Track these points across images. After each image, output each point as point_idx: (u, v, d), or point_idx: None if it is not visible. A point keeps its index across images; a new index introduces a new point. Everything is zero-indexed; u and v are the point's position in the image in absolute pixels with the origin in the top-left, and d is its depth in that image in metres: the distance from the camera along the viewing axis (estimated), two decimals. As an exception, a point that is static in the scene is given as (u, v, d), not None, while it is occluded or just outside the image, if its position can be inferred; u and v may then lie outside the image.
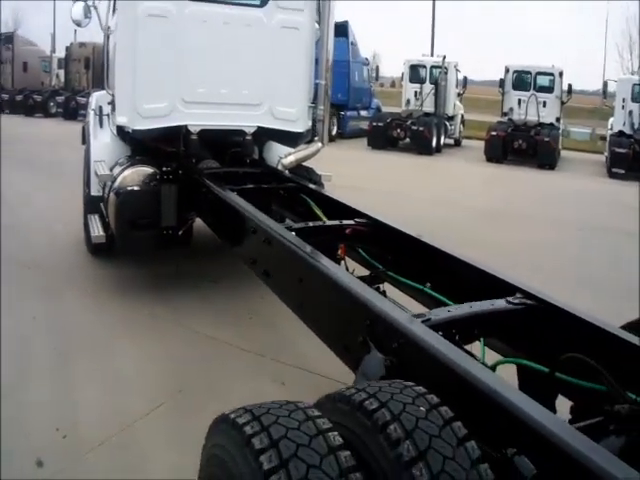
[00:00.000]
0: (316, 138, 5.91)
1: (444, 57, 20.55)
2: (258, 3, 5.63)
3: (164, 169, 5.23)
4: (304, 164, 5.98)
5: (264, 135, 5.92)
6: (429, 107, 20.87)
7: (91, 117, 6.44)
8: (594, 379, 2.13)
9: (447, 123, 21.17)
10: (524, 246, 8.20)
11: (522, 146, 18.37)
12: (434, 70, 20.98)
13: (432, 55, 25.68)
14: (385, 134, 19.89)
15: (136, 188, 5.19)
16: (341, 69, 21.24)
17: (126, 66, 5.14)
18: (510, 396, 1.76)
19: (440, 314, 2.40)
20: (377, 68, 23.76)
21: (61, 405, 3.84)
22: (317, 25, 5.82)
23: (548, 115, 19.30)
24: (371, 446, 1.59)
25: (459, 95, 22.36)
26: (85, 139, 6.58)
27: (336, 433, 1.57)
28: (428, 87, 21.01)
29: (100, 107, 6.33)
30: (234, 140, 5.89)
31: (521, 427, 1.68)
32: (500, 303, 2.55)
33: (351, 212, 4.06)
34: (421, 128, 19.15)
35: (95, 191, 5.91)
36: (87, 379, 4.20)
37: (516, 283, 2.70)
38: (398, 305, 2.62)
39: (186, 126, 5.43)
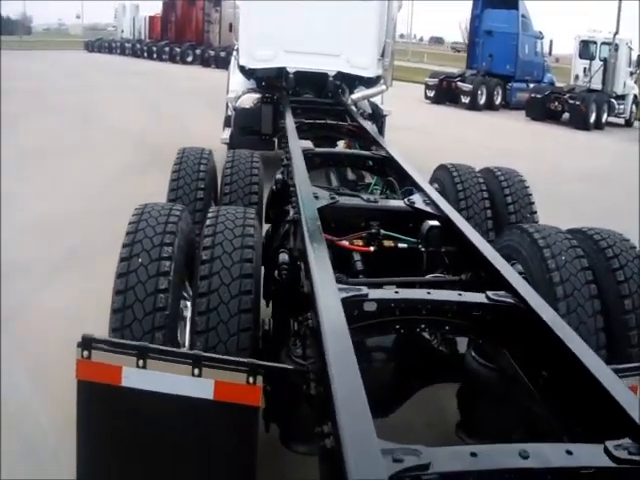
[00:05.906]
0: (381, 82, 8.05)
1: (615, 33, 20.67)
2: None
3: (266, 95, 7.75)
4: (372, 100, 8.17)
5: (344, 79, 8.12)
6: (598, 84, 21.13)
7: (232, 61, 9.12)
8: None
9: (614, 101, 21.21)
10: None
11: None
12: (604, 46, 21.17)
13: (617, 32, 25.31)
14: (543, 106, 20.64)
15: (247, 107, 7.82)
16: (509, 41, 22.22)
17: (246, 24, 7.71)
18: None
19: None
20: (551, 42, 24.18)
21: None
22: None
23: None
24: None
25: (632, 74, 22.21)
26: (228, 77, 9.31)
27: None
28: (598, 64, 21.28)
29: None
30: (323, 81, 8.15)
31: None
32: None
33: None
34: (577, 102, 19.64)
35: (230, 111, 8.57)
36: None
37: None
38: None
39: (285, 68, 7.83)
